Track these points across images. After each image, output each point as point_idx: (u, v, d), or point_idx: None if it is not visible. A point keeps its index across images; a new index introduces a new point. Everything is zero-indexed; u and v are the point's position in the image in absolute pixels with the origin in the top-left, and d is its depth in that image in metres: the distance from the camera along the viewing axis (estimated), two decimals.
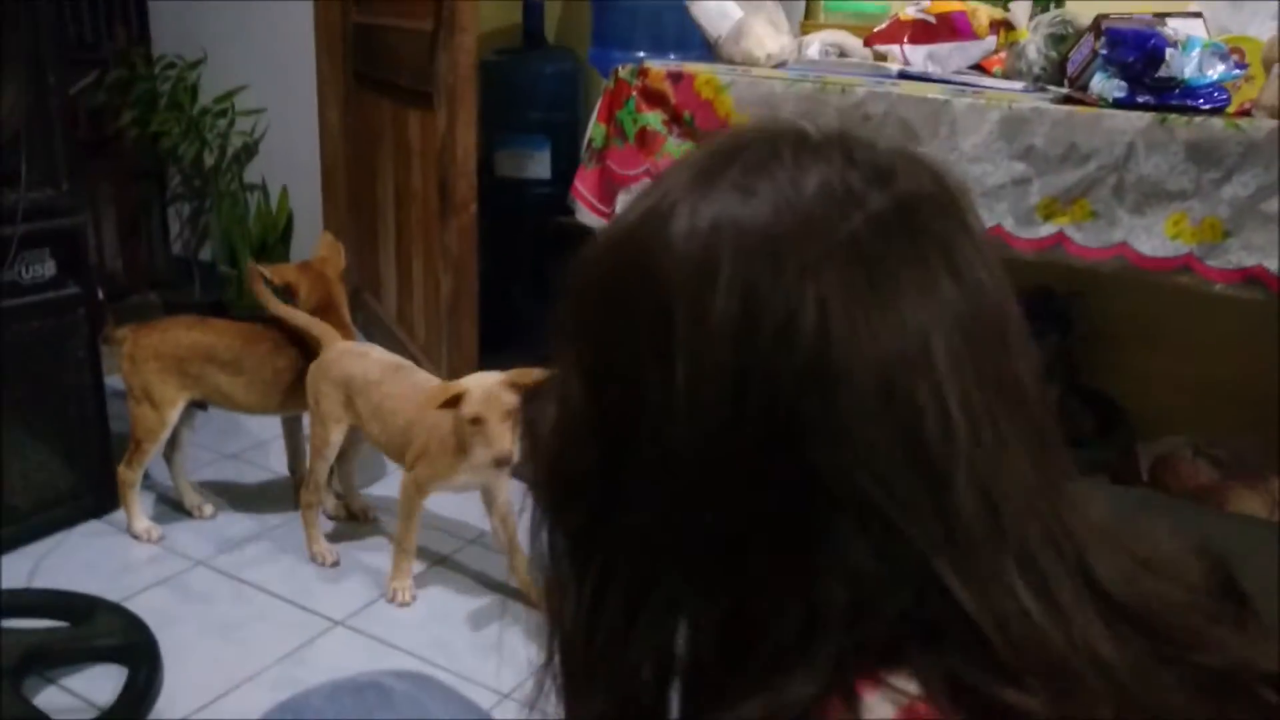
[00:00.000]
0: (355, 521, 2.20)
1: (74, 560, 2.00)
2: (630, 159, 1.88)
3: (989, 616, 0.44)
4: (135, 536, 2.07)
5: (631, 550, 0.50)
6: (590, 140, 1.96)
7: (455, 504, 2.27)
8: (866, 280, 0.46)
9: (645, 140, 1.86)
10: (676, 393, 0.46)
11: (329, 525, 2.18)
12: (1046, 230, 1.57)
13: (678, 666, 0.49)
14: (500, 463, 1.71)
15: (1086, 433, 2.26)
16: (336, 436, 2.01)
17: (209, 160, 3.47)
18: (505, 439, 1.68)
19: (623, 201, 2.01)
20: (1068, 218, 1.56)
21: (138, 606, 1.83)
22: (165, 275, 3.76)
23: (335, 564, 2.03)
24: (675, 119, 1.84)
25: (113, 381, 2.16)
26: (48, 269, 1.96)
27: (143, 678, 1.63)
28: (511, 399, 1.70)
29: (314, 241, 3.02)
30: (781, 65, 1.90)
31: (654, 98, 1.85)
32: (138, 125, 3.40)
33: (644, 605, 0.49)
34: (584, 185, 1.97)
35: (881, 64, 1.85)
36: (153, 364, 2.02)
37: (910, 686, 0.43)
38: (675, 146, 1.85)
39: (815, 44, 1.96)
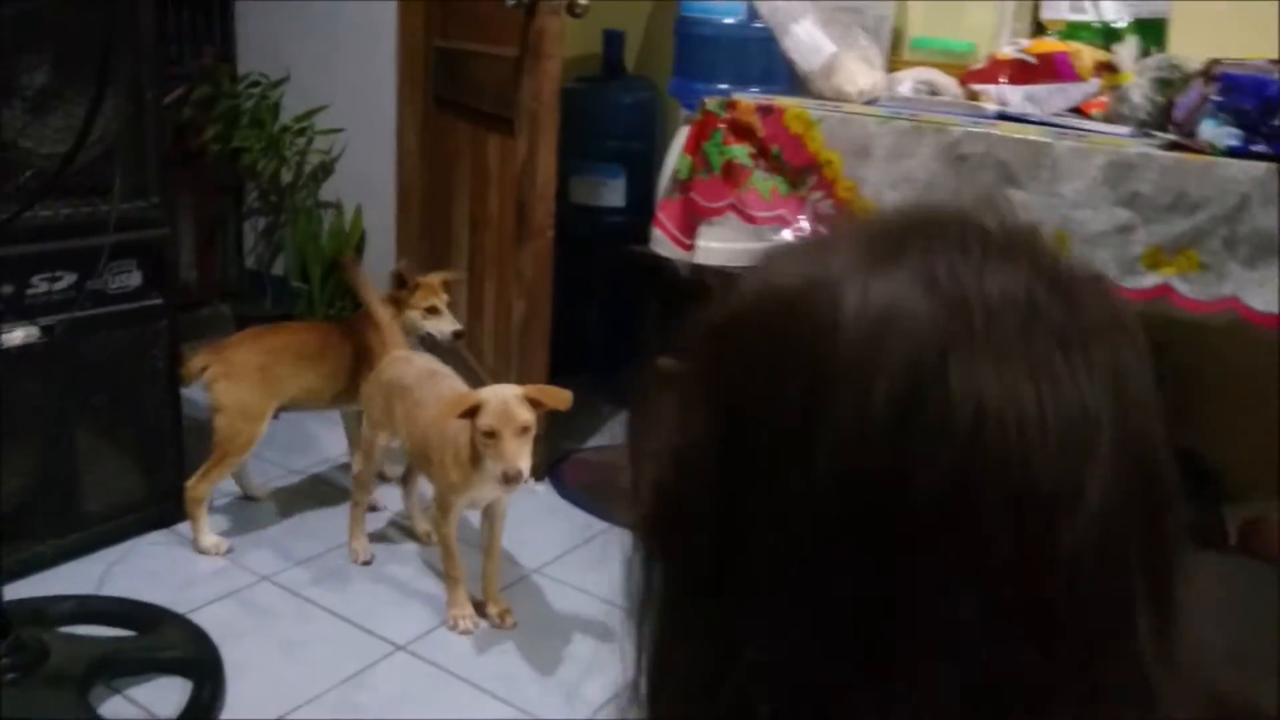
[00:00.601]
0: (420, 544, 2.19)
1: (142, 569, 2.01)
2: (715, 191, 1.86)
3: None
4: (203, 552, 2.08)
5: (736, 604, 0.48)
6: (675, 171, 1.94)
7: (514, 535, 2.25)
8: (1035, 396, 0.44)
9: (731, 173, 1.84)
10: (819, 471, 0.44)
11: (410, 547, 2.17)
12: (1151, 280, 1.51)
13: None
14: (509, 479, 1.66)
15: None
16: (381, 441, 2.06)
17: (286, 177, 3.53)
18: (517, 456, 1.65)
19: (706, 234, 1.99)
20: (1174, 268, 1.50)
21: (202, 619, 1.83)
22: (237, 288, 3.82)
23: (367, 563, 2.08)
24: (763, 153, 1.82)
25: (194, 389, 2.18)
26: (133, 280, 1.99)
27: (206, 693, 1.63)
28: (527, 415, 1.68)
29: (385, 261, 3.06)
30: (873, 101, 1.87)
31: (742, 130, 1.83)
32: (219, 141, 3.46)
33: (736, 659, 0.47)
34: (666, 216, 1.95)
35: (976, 103, 1.81)
36: (250, 377, 2.09)
37: None
38: (761, 180, 1.82)
39: (907, 81, 1.92)
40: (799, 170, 1.79)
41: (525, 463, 1.66)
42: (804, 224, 1.80)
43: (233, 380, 2.07)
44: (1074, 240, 1.55)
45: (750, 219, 1.83)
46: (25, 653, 1.54)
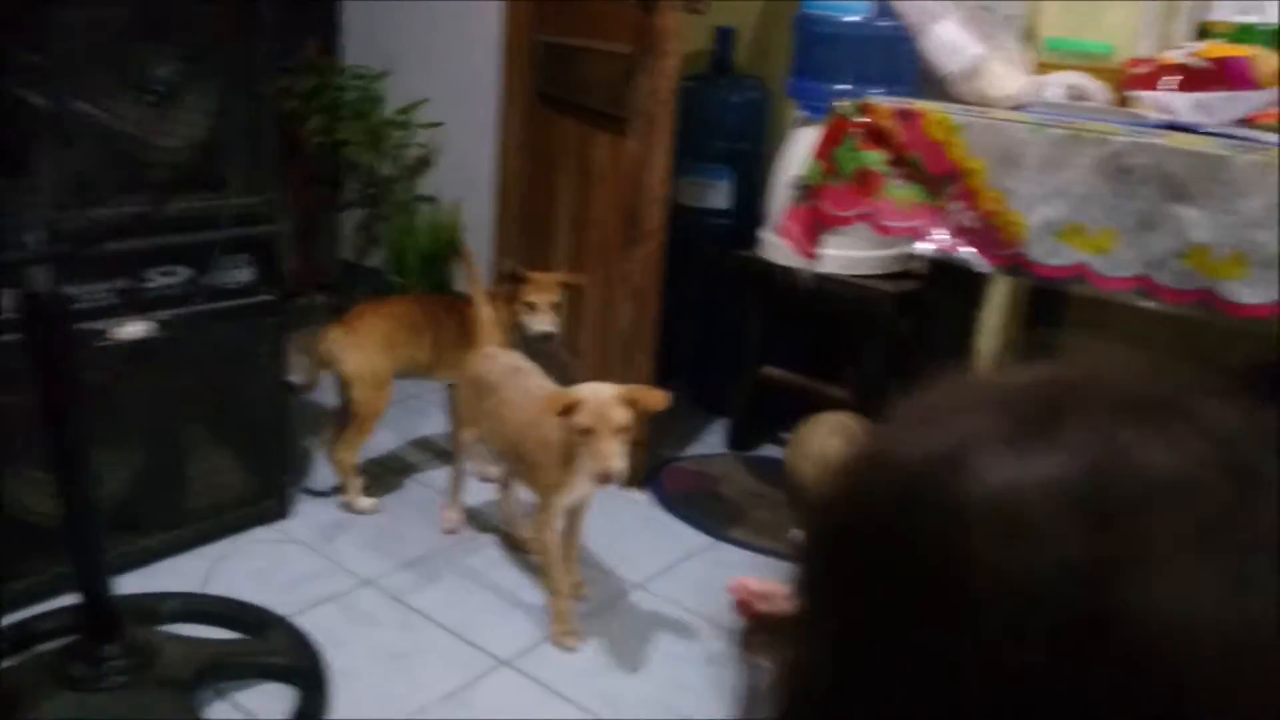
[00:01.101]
0: (522, 551, 2.14)
1: (246, 567, 1.99)
2: (846, 200, 1.76)
3: None
4: (361, 512, 2.22)
5: None
6: (803, 178, 1.84)
7: (615, 548, 2.19)
8: (1214, 578, 0.37)
9: (864, 181, 1.74)
10: (974, 674, 0.38)
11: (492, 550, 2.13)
12: None
13: None
14: (604, 479, 1.66)
15: None
16: (467, 437, 2.10)
17: (386, 170, 3.52)
18: (613, 455, 1.64)
19: (833, 242, 1.89)
20: None
21: (305, 623, 1.80)
22: (334, 279, 3.83)
23: (451, 532, 2.17)
24: (900, 160, 1.71)
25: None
26: (245, 274, 1.97)
27: (312, 703, 1.59)
28: (624, 415, 1.67)
29: (481, 257, 3.02)
30: (1019, 107, 1.75)
31: (877, 136, 1.73)
32: (322, 133, 3.47)
33: None
34: (792, 224, 1.85)
35: (1137, 111, 1.68)
36: (374, 344, 2.19)
37: None
38: (897, 189, 1.72)
39: (1055, 85, 1.80)
40: (938, 179, 1.68)
41: (621, 462, 1.65)
42: (941, 236, 1.69)
43: (362, 350, 2.18)
44: (1252, 263, 1.42)
45: (884, 229, 1.73)
46: (137, 655, 1.52)
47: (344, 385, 2.20)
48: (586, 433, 1.66)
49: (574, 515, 1.93)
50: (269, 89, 1.96)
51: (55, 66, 1.23)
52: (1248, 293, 1.43)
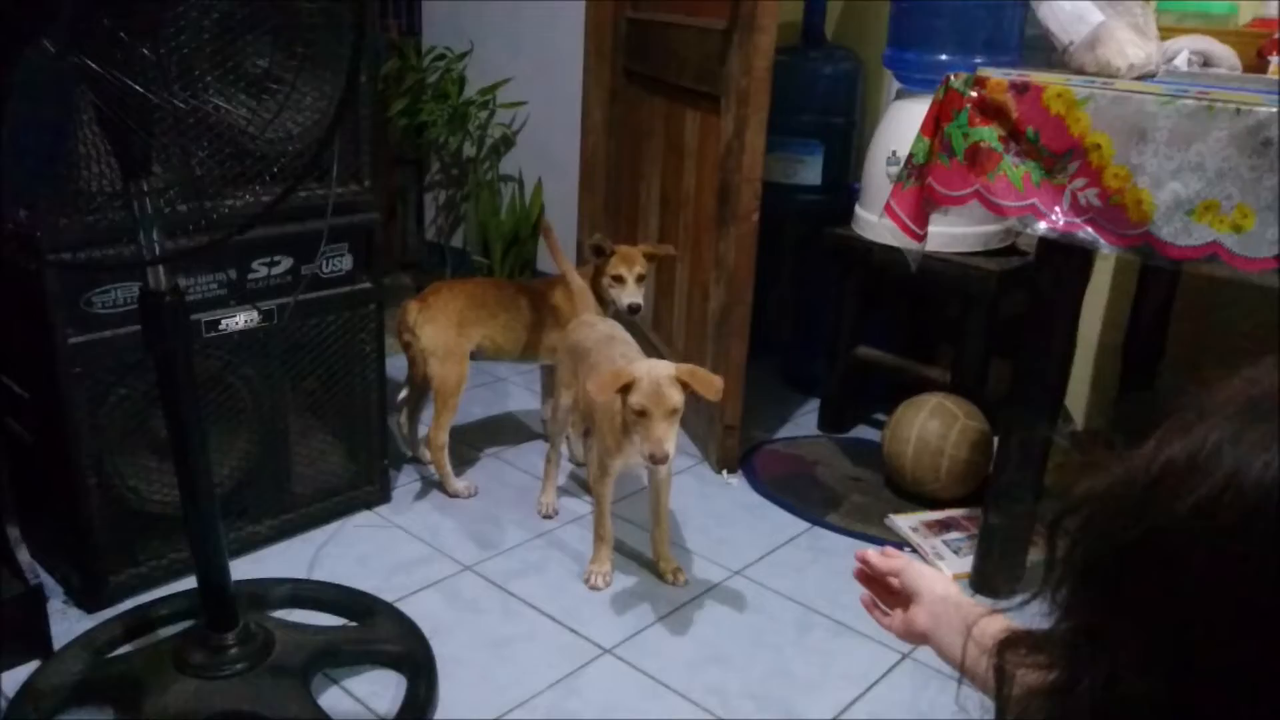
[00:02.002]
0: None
1: (350, 553, 2.02)
2: (957, 178, 1.70)
3: None
4: (455, 495, 2.25)
5: None
6: (911, 155, 1.78)
7: (712, 534, 2.17)
8: None
9: (977, 158, 1.67)
10: None
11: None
12: None
13: None
14: (654, 460, 1.71)
15: None
16: (565, 400, 2.14)
17: (469, 150, 3.52)
18: (664, 439, 1.69)
19: (941, 222, 1.83)
20: None
21: (409, 608, 1.82)
22: (418, 259, 3.86)
23: (549, 517, 2.20)
24: (1015, 135, 1.64)
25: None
26: (345, 263, 1.98)
27: (422, 690, 1.61)
28: (678, 397, 1.71)
29: (566, 236, 3.01)
30: (1145, 77, 1.66)
31: (991, 110, 1.66)
32: (405, 114, 3.48)
33: None
34: (899, 204, 1.79)
35: (1273, 78, 1.58)
36: (448, 319, 2.21)
37: None
38: (1012, 167, 1.65)
39: (1182, 52, 1.70)
40: (1058, 155, 1.60)
41: (671, 445, 1.71)
42: (1059, 216, 1.62)
43: (436, 325, 2.20)
44: None
45: (998, 209, 1.66)
46: (253, 643, 1.55)
47: (420, 361, 2.22)
48: (640, 413, 1.70)
49: (655, 490, 1.98)
50: (367, 78, 1.95)
51: (171, 62, 1.23)
52: None
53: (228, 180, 1.37)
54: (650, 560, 2.02)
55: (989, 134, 1.66)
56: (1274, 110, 1.42)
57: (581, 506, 2.25)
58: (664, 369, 1.75)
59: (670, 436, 1.71)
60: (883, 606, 1.01)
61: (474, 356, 2.29)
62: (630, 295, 2.25)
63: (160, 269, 1.32)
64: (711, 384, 1.76)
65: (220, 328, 1.81)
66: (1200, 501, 0.39)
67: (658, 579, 1.99)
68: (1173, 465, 0.41)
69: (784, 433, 2.67)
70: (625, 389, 1.73)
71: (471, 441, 2.51)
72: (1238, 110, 1.44)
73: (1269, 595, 0.37)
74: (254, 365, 1.88)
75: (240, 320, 1.83)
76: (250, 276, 1.84)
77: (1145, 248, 1.55)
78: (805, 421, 2.74)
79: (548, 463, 2.23)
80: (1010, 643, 0.50)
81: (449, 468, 2.25)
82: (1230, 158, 1.45)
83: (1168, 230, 1.52)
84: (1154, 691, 0.40)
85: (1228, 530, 0.38)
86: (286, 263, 1.88)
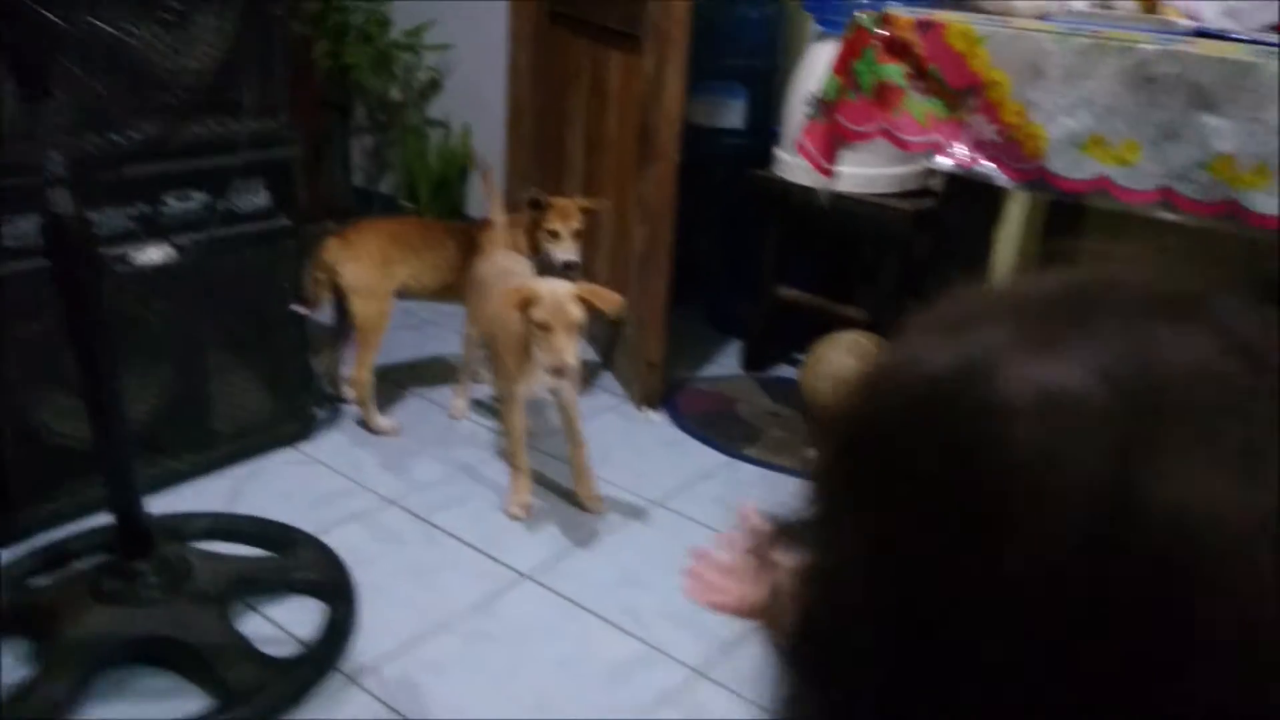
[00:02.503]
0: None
1: (271, 488, 2.03)
2: (864, 114, 1.75)
3: None
4: (379, 432, 2.27)
5: None
6: (822, 93, 1.82)
7: (633, 467, 2.22)
8: (1240, 475, 0.38)
9: (883, 95, 1.72)
10: (1002, 585, 0.39)
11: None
12: None
13: None
14: (557, 373, 1.78)
15: None
16: (472, 334, 2.27)
17: (395, 95, 3.48)
18: (566, 351, 1.75)
19: (851, 160, 1.88)
20: None
21: (331, 541, 1.84)
22: (345, 205, 3.82)
23: (455, 418, 2.34)
24: (919, 72, 1.69)
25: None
26: (261, 199, 1.97)
27: (342, 616, 1.64)
28: (579, 312, 1.77)
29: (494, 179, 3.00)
30: (1045, 17, 1.71)
31: (897, 48, 1.70)
32: (330, 57, 3.42)
33: None
34: (810, 141, 1.84)
35: (1167, 19, 1.64)
36: (370, 257, 2.23)
37: None
38: (917, 103, 1.70)
39: None
40: (959, 92, 1.66)
41: (573, 358, 1.76)
42: (960, 150, 1.68)
43: (359, 262, 2.22)
44: (1276, 173, 1.41)
45: (903, 144, 1.72)
46: (170, 570, 1.56)
47: (342, 298, 2.24)
48: (543, 327, 1.76)
49: (565, 412, 2.02)
50: (280, 9, 1.93)
51: None
52: (1271, 203, 1.42)
53: (131, 109, 1.36)
54: (570, 491, 2.07)
55: (895, 71, 1.71)
56: (1158, 48, 1.48)
57: (503, 442, 2.28)
58: (564, 286, 1.82)
59: (572, 349, 1.77)
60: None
61: (400, 296, 2.30)
62: (565, 251, 2.26)
63: (65, 193, 1.31)
64: (610, 299, 1.83)
65: (132, 262, 1.79)
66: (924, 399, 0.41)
67: (578, 509, 2.04)
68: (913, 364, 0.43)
69: (707, 372, 2.73)
70: (528, 304, 1.78)
71: (397, 380, 2.53)
72: (1125, 48, 1.51)
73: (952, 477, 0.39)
74: (169, 301, 1.87)
75: (153, 255, 1.81)
76: (163, 211, 1.82)
77: (1039, 181, 1.62)
78: (729, 362, 2.80)
79: (460, 373, 2.39)
80: (776, 533, 0.52)
81: (373, 405, 2.28)
82: (1118, 94, 1.52)
83: (1060, 164, 1.58)
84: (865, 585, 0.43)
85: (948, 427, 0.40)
86: (200, 197, 1.87)
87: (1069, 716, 0.39)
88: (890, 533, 0.42)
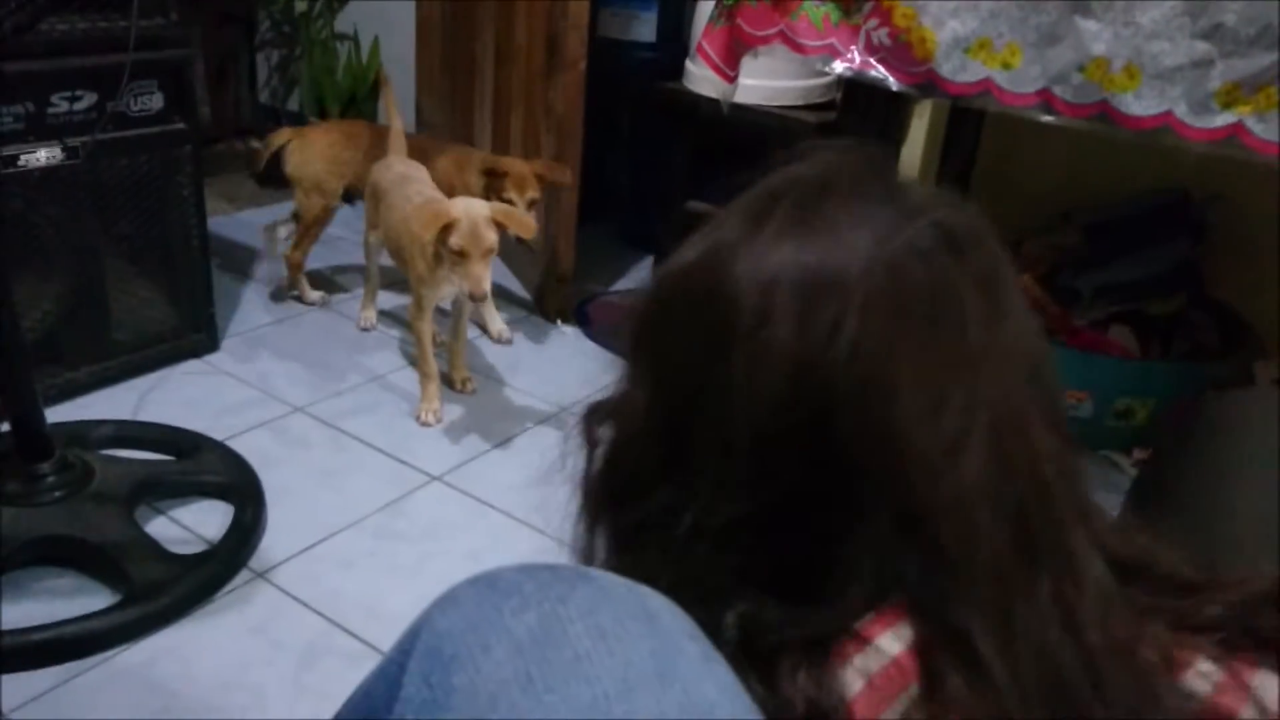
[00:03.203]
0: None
1: (176, 397, 2.02)
2: (763, 18, 1.77)
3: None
4: (311, 304, 2.46)
5: (690, 527, 0.56)
6: None
7: (544, 374, 2.26)
8: (902, 302, 0.50)
9: None
10: (736, 384, 0.52)
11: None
12: (1223, 120, 1.44)
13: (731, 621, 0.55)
14: (474, 298, 1.83)
15: (1209, 347, 2.16)
16: (373, 239, 2.30)
17: (300, 6, 3.38)
18: (482, 279, 1.78)
19: (751, 69, 1.90)
20: (1249, 107, 1.43)
21: (238, 447, 1.85)
22: (252, 123, 3.72)
23: (366, 329, 2.37)
24: None
25: (213, 224, 2.16)
26: (155, 102, 1.92)
27: (248, 516, 1.65)
28: (494, 237, 1.79)
29: (404, 93, 2.96)
30: None
31: None
32: None
33: (701, 582, 0.55)
34: (710, 45, 1.85)
35: None
36: (318, 153, 2.35)
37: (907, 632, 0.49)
38: (813, 7, 1.73)
39: None
40: None
41: (488, 283, 1.80)
42: (855, 55, 1.72)
43: (304, 155, 2.34)
44: (1145, 75, 1.48)
45: (800, 49, 1.75)
46: (71, 472, 1.56)
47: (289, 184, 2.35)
48: (460, 254, 1.78)
49: (456, 318, 2.11)
50: None
51: None
52: (1138, 105, 1.49)
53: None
54: (485, 396, 2.10)
55: None
56: None
57: (412, 350, 2.29)
58: (480, 209, 1.81)
59: (487, 275, 1.79)
60: None
61: (347, 198, 2.43)
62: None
63: None
64: (525, 223, 1.86)
65: (19, 164, 1.74)
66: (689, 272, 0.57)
67: (492, 417, 2.07)
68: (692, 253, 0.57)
69: (620, 285, 2.76)
70: (444, 232, 1.78)
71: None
72: None
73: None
74: (60, 206, 1.82)
75: (41, 156, 1.76)
76: (50, 111, 1.77)
77: (929, 85, 1.66)
78: (642, 275, 2.83)
79: (366, 281, 2.40)
80: (591, 409, 0.64)
81: (304, 281, 2.47)
82: None
83: (948, 67, 1.63)
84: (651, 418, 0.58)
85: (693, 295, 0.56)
86: (90, 98, 1.81)
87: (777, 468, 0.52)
88: (661, 369, 0.57)
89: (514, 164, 2.21)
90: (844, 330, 0.49)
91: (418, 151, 2.31)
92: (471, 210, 1.80)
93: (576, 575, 0.70)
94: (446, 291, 1.98)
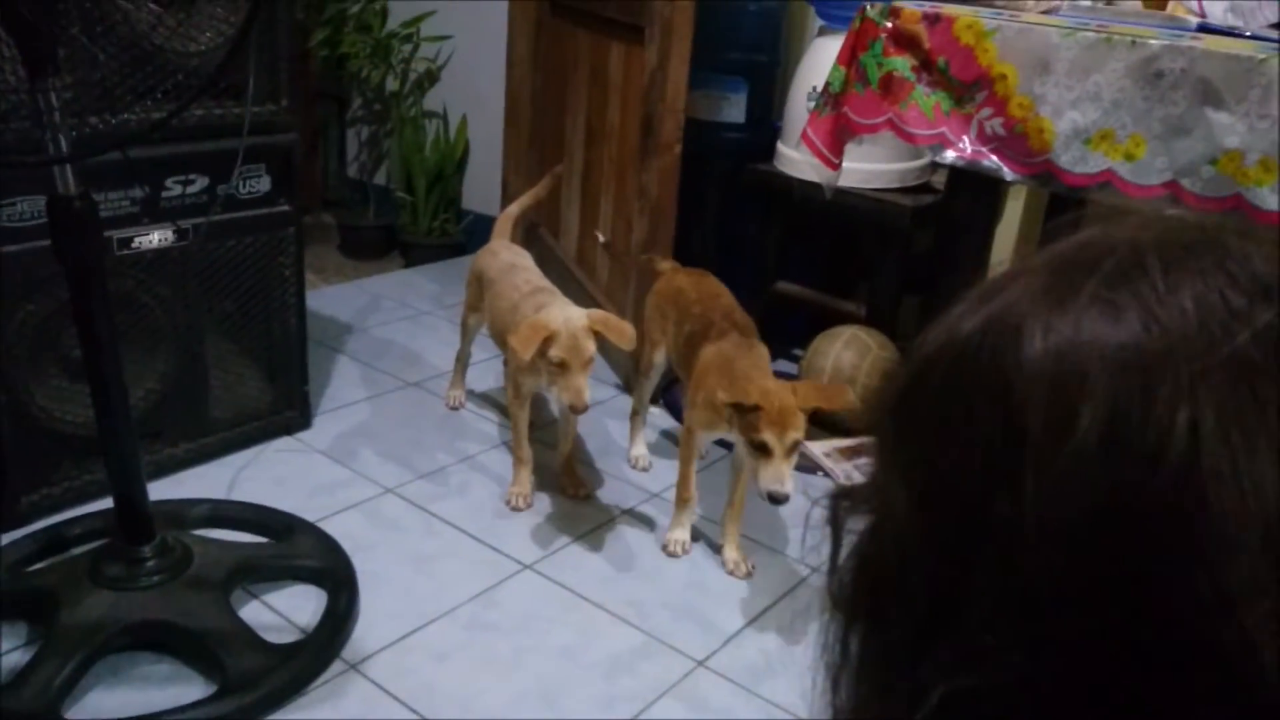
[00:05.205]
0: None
1: (269, 474, 2.02)
2: (871, 107, 1.75)
3: None
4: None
5: (966, 668, 0.43)
6: (827, 85, 1.82)
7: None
8: (1253, 402, 0.38)
9: (890, 87, 1.72)
10: (1027, 519, 0.40)
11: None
12: None
13: None
14: (575, 410, 1.76)
15: None
16: (471, 321, 2.29)
17: (392, 85, 3.47)
18: (583, 392, 1.74)
19: (855, 154, 1.88)
20: None
21: (330, 529, 1.83)
22: (340, 196, 3.80)
23: (455, 409, 2.35)
24: (927, 65, 1.69)
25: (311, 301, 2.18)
26: (263, 184, 1.95)
27: (343, 603, 1.63)
28: (593, 348, 1.76)
29: (491, 172, 2.99)
30: (1051, 11, 1.72)
31: (905, 41, 1.70)
32: (326, 46, 3.41)
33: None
34: (815, 133, 1.84)
35: (1172, 15, 1.65)
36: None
37: None
38: (924, 96, 1.70)
39: None
40: (967, 85, 1.66)
41: (588, 396, 1.75)
42: (966, 144, 1.68)
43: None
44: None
45: (909, 138, 1.72)
46: (171, 555, 1.55)
47: None
48: (560, 366, 1.74)
49: (564, 421, 2.06)
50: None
51: None
52: (1275, 199, 1.43)
53: (135, 91, 1.35)
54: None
55: (902, 64, 1.71)
56: (1165, 43, 1.49)
57: (505, 433, 2.27)
58: (579, 319, 1.77)
59: (586, 385, 1.75)
60: None
61: None
62: (773, 480, 1.57)
63: (68, 172, 1.30)
64: (624, 332, 1.81)
65: (134, 245, 1.78)
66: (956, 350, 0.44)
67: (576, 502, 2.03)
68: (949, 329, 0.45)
69: None
70: (546, 345, 1.74)
71: (393, 371, 2.51)
72: (1133, 42, 1.51)
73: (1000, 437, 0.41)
74: (169, 285, 1.85)
75: (154, 238, 1.80)
76: (164, 195, 1.81)
77: (1045, 175, 1.62)
78: None
79: (457, 361, 2.37)
80: (842, 493, 0.55)
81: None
82: (1125, 88, 1.53)
83: (1066, 158, 1.59)
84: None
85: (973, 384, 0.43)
86: (202, 182, 1.85)
87: (1080, 603, 0.39)
88: (928, 474, 0.45)
89: (774, 401, 1.57)
90: (1174, 445, 0.37)
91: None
92: (571, 322, 1.76)
93: None
94: (544, 382, 1.91)
